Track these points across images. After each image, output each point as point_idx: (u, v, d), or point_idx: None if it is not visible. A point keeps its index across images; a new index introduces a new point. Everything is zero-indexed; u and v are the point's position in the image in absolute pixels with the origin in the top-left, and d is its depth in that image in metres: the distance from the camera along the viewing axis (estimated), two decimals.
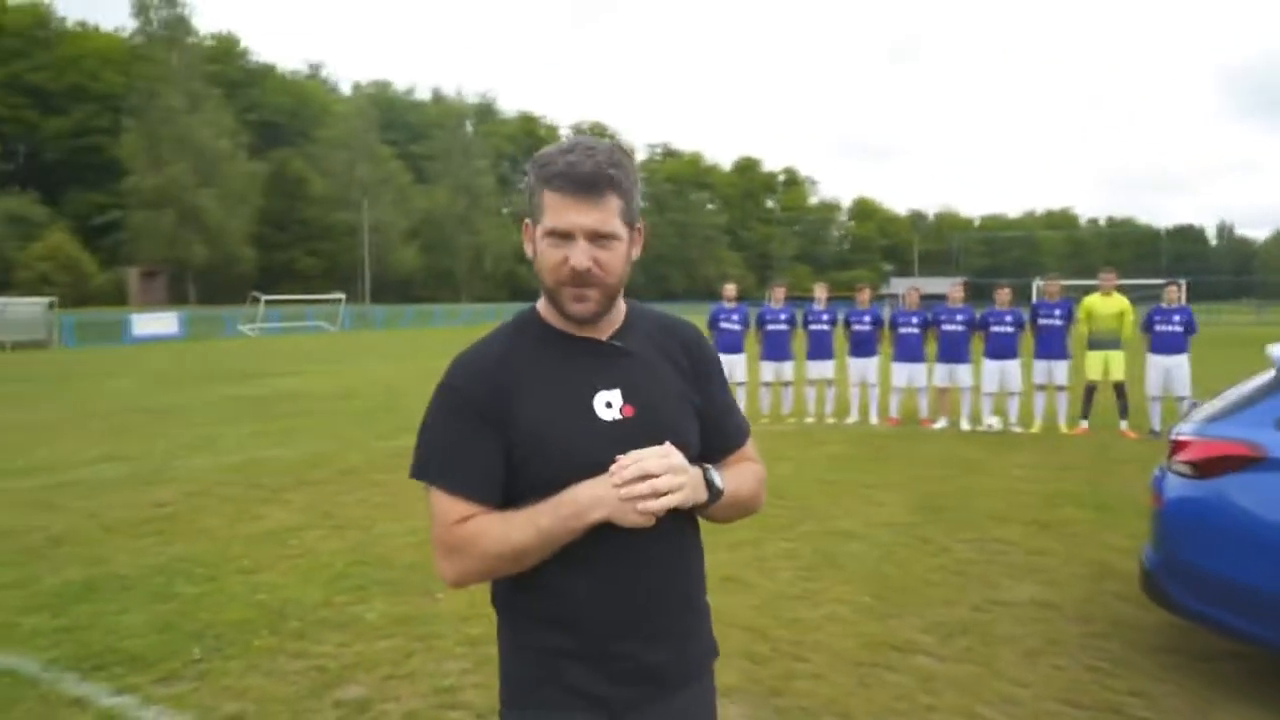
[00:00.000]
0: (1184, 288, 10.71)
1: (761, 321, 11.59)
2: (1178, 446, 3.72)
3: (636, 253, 1.55)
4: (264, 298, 39.08)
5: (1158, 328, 10.01)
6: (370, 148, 74.85)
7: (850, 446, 9.46)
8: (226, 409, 12.53)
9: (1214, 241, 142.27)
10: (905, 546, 5.77)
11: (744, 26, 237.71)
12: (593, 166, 1.42)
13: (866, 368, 11.33)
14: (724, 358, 11.14)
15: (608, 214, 1.45)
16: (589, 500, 1.40)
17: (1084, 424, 10.38)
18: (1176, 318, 9.94)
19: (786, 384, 11.69)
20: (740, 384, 11.42)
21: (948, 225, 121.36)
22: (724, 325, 11.40)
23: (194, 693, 3.62)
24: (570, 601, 1.48)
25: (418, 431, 1.52)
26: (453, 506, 1.46)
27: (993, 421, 10.62)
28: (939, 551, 5.67)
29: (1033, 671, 3.88)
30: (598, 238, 1.44)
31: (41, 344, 27.20)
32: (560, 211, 1.42)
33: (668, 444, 1.44)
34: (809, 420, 11.42)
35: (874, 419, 11.24)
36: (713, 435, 1.64)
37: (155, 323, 32.85)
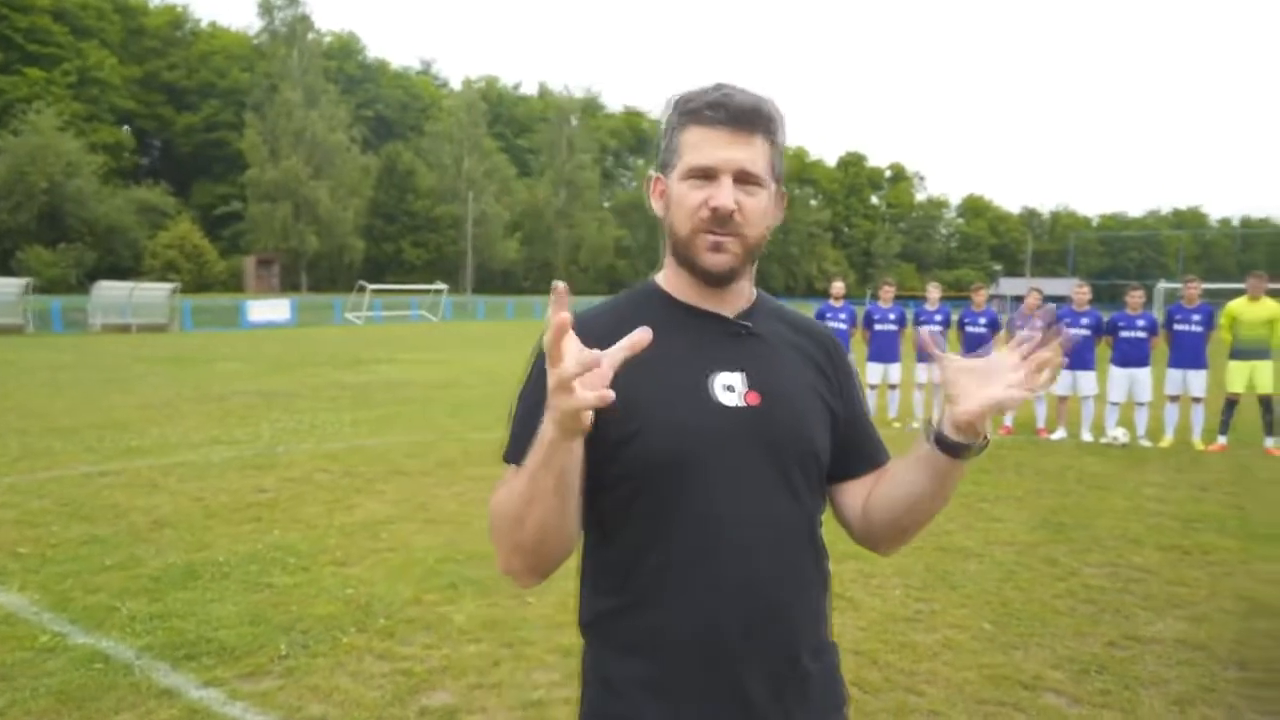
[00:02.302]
0: None
1: (869, 321, 11.13)
2: None
3: (777, 218, 1.38)
4: (370, 287, 40.19)
5: None
6: (477, 141, 76.25)
7: None
8: (330, 395, 12.79)
9: None
10: (1028, 568, 5.32)
11: (852, 21, 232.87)
12: (751, 101, 1.28)
13: None
14: None
15: (758, 154, 1.28)
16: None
17: (1222, 439, 9.56)
18: None
19: (893, 386, 11.19)
20: None
21: (1063, 224, 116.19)
22: (831, 324, 10.98)
23: (280, 690, 3.53)
24: (658, 627, 1.26)
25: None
26: (509, 473, 1.28)
27: (1118, 434, 9.89)
28: (1066, 575, 5.20)
29: None
30: (745, 179, 1.27)
31: (163, 328, 28.61)
32: (706, 146, 1.26)
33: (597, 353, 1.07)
34: (915, 425, 10.90)
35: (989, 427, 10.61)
36: (851, 453, 1.42)
37: (268, 309, 34.13)
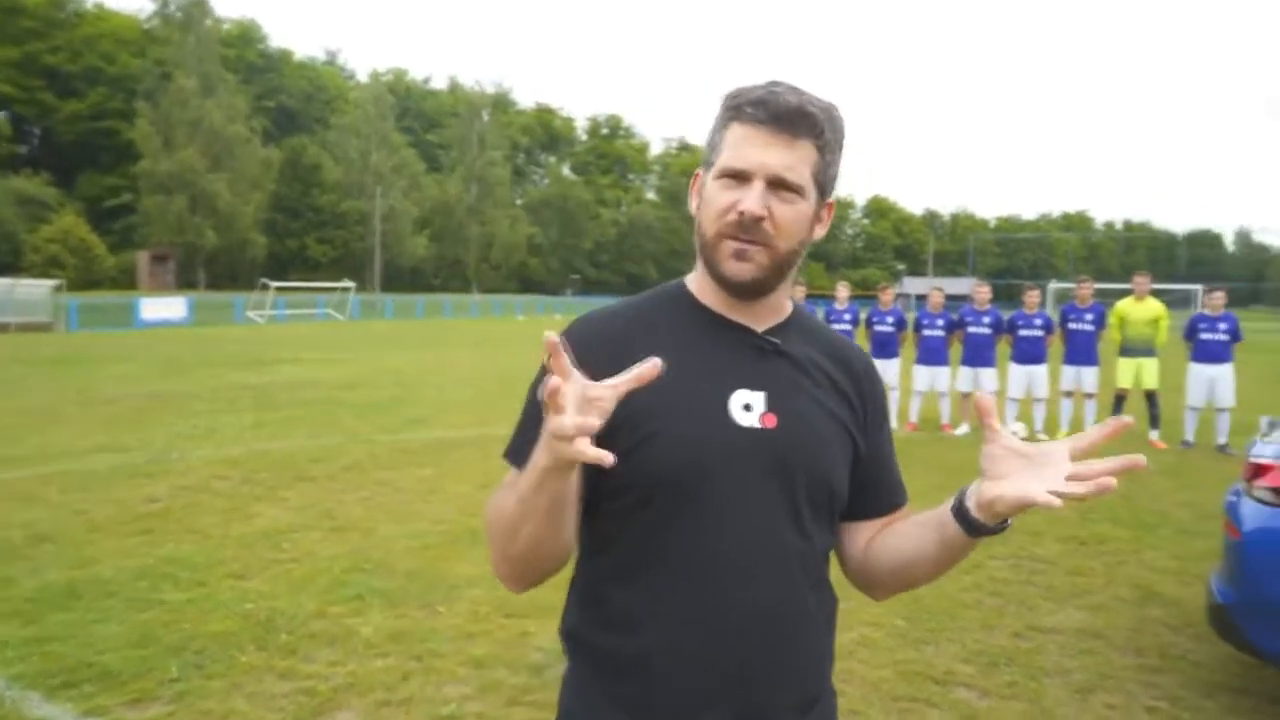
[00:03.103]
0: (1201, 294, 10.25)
1: None
2: (1259, 470, 3.36)
3: (821, 232, 1.27)
4: (273, 285, 38.79)
5: (1202, 335, 9.57)
6: (385, 135, 74.61)
7: None
8: (229, 397, 12.24)
9: (1231, 247, 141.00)
10: None
11: (760, 21, 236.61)
12: (797, 101, 1.17)
13: (887, 370, 10.96)
14: None
15: (799, 160, 1.18)
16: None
17: None
18: (1222, 325, 9.49)
19: None
20: None
21: (963, 225, 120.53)
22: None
23: (169, 717, 3.31)
24: (640, 650, 1.18)
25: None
26: (508, 476, 1.23)
27: (1017, 428, 10.25)
28: (972, 569, 5.32)
29: (1086, 711, 3.55)
30: (780, 186, 1.17)
31: (46, 327, 27.00)
32: (743, 146, 1.18)
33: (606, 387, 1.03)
34: None
35: (893, 423, 10.87)
36: (869, 491, 1.33)
37: (163, 307, 32.55)
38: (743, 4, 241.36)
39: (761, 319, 1.27)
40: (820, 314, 11.35)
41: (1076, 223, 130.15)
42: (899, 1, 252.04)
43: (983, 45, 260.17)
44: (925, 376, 10.69)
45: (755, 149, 1.16)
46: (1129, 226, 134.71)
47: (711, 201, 1.20)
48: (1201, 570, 5.31)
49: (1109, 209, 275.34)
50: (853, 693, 3.66)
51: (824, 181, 1.22)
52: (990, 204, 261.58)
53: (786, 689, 1.21)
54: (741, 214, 1.16)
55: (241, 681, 3.61)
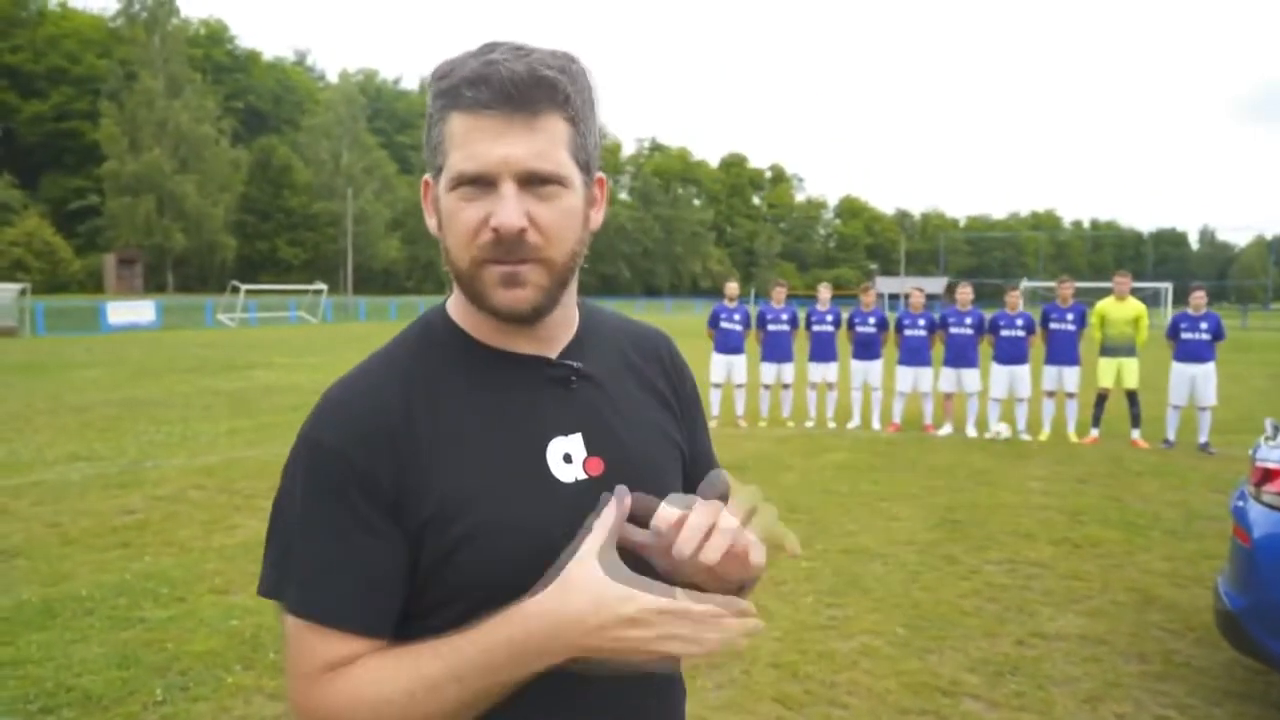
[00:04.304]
0: (1168, 292, 10.34)
1: (763, 321, 11.20)
2: (1269, 475, 3.33)
3: (598, 218, 1.02)
4: (244, 287, 38.24)
5: (1184, 335, 9.63)
6: (356, 136, 73.94)
7: (855, 454, 9.07)
8: (203, 403, 12.00)
9: (1196, 246, 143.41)
10: (932, 568, 5.38)
11: (733, 21, 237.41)
12: (525, 67, 0.89)
13: (869, 371, 10.96)
14: (725, 358, 10.93)
15: (549, 143, 0.91)
16: (576, 615, 0.84)
17: (1095, 433, 10.05)
18: (1204, 325, 9.55)
19: (786, 386, 11.30)
20: (740, 385, 11.06)
21: (934, 225, 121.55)
22: (725, 325, 11.00)
23: None
24: None
25: (270, 516, 0.97)
26: (323, 644, 0.90)
27: (1000, 428, 10.28)
28: (968, 574, 5.29)
29: None
30: (535, 181, 0.91)
31: (11, 332, 26.40)
32: (473, 142, 0.90)
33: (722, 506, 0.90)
34: (809, 424, 11.04)
35: (876, 424, 10.87)
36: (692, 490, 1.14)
37: (130, 311, 31.93)
38: (714, 4, 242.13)
39: (554, 341, 1.03)
40: (803, 316, 11.32)
41: (1045, 221, 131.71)
42: (869, 3, 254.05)
43: (952, 47, 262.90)
44: (908, 377, 10.69)
45: (489, 142, 0.89)
46: (1096, 225, 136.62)
47: (454, 221, 0.93)
48: (1195, 573, 5.33)
49: (1076, 208, 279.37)
50: (859, 705, 3.59)
51: (586, 158, 0.97)
52: (960, 203, 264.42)
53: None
54: (496, 231, 0.90)
55: (229, 704, 3.47)
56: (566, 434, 0.99)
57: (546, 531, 0.93)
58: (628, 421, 1.05)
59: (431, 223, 0.98)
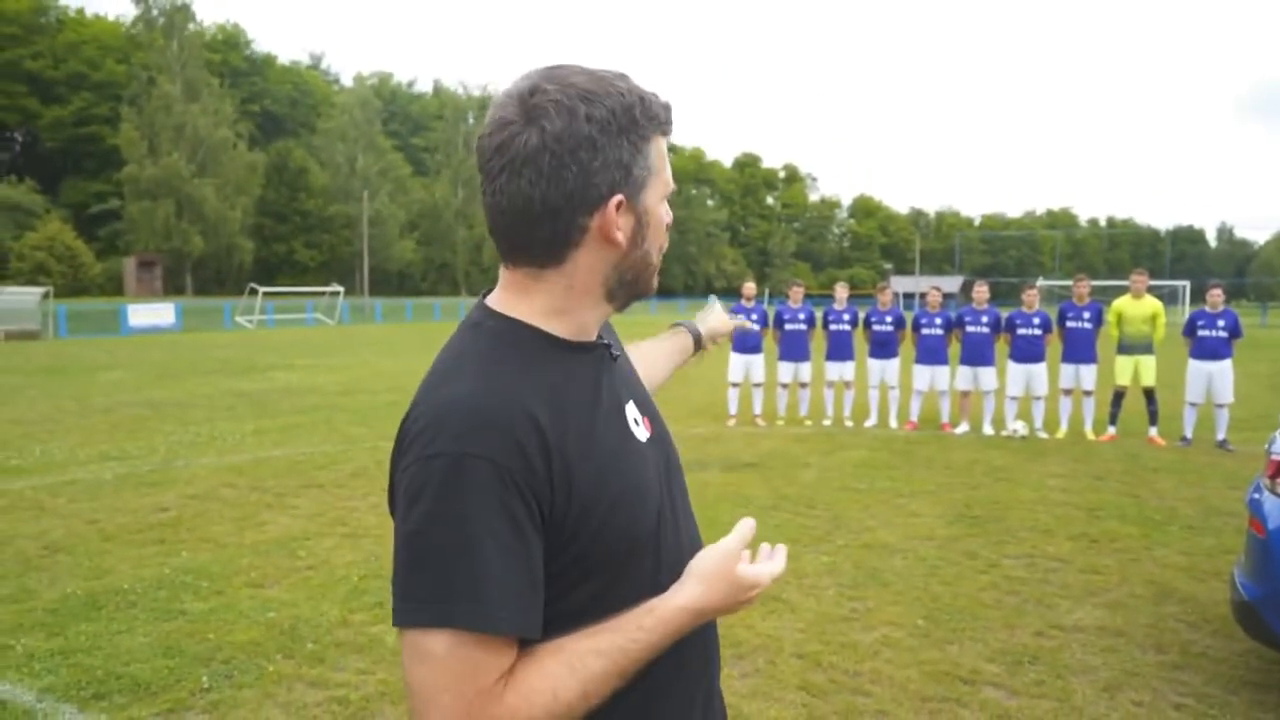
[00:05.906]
0: (1184, 289, 10.34)
1: (780, 321, 11.29)
2: None
3: None
4: (262, 289, 38.61)
5: (1201, 332, 9.64)
6: (371, 139, 74.38)
7: (873, 451, 9.15)
8: (226, 404, 12.19)
9: (1214, 243, 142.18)
10: (951, 563, 5.46)
11: (746, 21, 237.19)
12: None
13: (886, 369, 11.03)
14: (743, 357, 11.01)
15: None
16: (711, 575, 1.04)
17: (1112, 430, 10.08)
18: (1221, 322, 9.56)
19: (804, 385, 11.38)
20: (758, 384, 11.15)
21: (948, 224, 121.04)
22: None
23: None
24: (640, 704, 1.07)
25: (404, 544, 0.94)
26: (494, 657, 0.93)
27: (1017, 427, 10.31)
28: (988, 568, 5.37)
29: (1115, 709, 3.58)
30: None
31: (34, 335, 26.77)
32: (667, 160, 1.11)
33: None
34: (826, 423, 11.12)
35: (893, 423, 10.94)
36: None
37: (151, 314, 32.33)
38: (727, 4, 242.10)
39: (595, 330, 1.15)
40: (820, 314, 11.39)
41: (1061, 220, 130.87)
42: (881, 3, 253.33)
43: (966, 45, 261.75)
44: (925, 376, 10.74)
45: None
46: (1113, 223, 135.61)
47: (662, 226, 1.11)
48: (1213, 567, 5.38)
49: (1093, 206, 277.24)
50: (881, 693, 3.68)
51: None
52: (975, 202, 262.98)
53: (717, 663, 1.25)
54: (667, 226, 1.13)
55: (273, 691, 3.60)
56: (627, 402, 1.15)
57: (653, 488, 1.09)
58: (643, 388, 1.25)
59: (618, 233, 1.04)
